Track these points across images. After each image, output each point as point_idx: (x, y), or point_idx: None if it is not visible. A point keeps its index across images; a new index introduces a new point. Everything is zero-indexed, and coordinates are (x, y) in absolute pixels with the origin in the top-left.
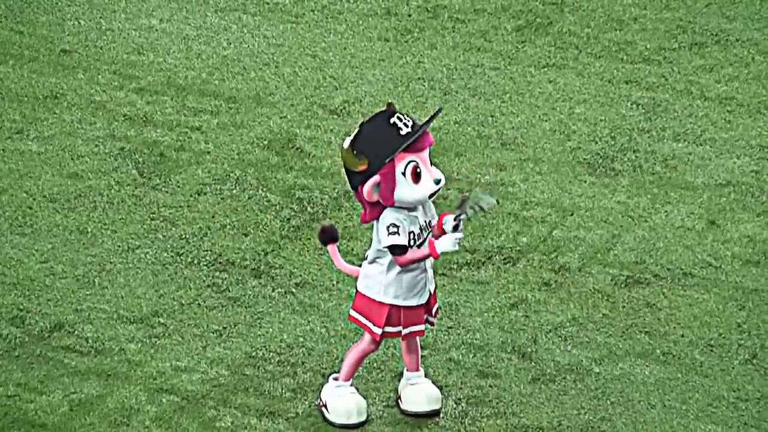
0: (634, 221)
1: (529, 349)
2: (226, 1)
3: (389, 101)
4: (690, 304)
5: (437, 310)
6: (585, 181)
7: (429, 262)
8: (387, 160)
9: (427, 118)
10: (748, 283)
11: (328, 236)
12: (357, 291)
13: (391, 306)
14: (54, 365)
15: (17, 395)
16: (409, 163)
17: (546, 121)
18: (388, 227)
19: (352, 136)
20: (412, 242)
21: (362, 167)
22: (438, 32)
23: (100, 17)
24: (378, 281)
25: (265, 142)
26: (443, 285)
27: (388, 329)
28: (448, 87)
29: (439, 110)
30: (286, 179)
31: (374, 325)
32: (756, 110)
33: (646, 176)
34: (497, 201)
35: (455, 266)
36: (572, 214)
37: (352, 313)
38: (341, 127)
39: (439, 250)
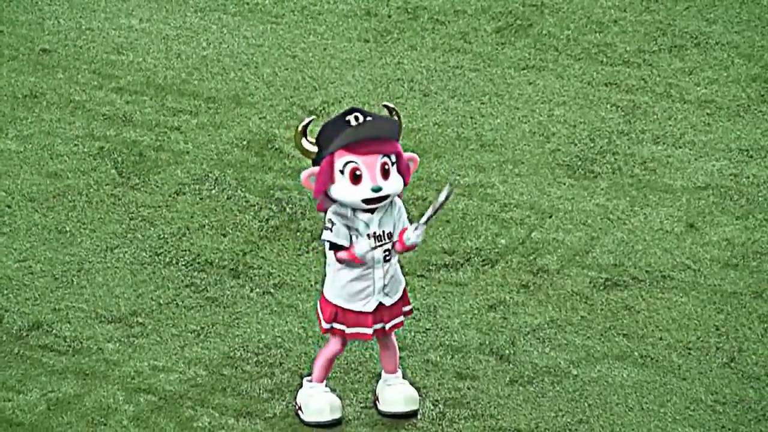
0: (613, 224)
1: (507, 351)
2: (206, 1)
3: (386, 103)
4: (668, 306)
5: (393, 326)
6: (564, 183)
7: (381, 273)
8: (326, 153)
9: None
10: (727, 286)
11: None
12: None
13: (335, 305)
14: (32, 364)
15: None
16: (348, 162)
17: (525, 122)
18: (326, 221)
19: (307, 121)
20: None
21: (311, 155)
22: (418, 33)
23: (80, 17)
24: (328, 279)
25: (245, 143)
26: (421, 286)
27: (336, 326)
28: (428, 88)
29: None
30: (265, 180)
31: (324, 320)
32: (735, 113)
33: (625, 179)
34: (450, 188)
35: (433, 267)
36: (551, 216)
37: (317, 307)
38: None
39: (357, 255)
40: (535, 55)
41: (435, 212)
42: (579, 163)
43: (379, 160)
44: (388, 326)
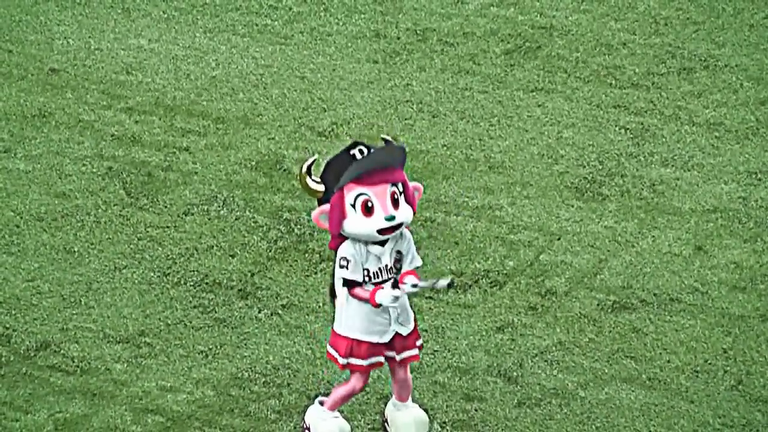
0: (621, 246)
1: (515, 373)
2: (215, 21)
3: (384, 136)
4: (676, 329)
5: (405, 359)
6: (572, 206)
7: (401, 302)
8: (336, 189)
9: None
10: (735, 309)
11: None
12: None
13: (351, 339)
14: (39, 384)
15: (2, 414)
16: (359, 195)
17: (534, 145)
18: (339, 260)
19: (310, 161)
20: (366, 279)
21: (319, 194)
22: (427, 55)
23: (89, 37)
24: (339, 314)
25: (253, 163)
26: (429, 308)
27: (353, 361)
28: (437, 110)
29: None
30: (274, 201)
31: (339, 355)
32: (744, 136)
33: (634, 201)
34: (450, 284)
35: (441, 289)
36: (559, 239)
37: (328, 348)
38: (329, 148)
39: (377, 300)
40: (543, 77)
41: (422, 288)
42: (587, 185)
43: (389, 189)
44: (399, 357)
